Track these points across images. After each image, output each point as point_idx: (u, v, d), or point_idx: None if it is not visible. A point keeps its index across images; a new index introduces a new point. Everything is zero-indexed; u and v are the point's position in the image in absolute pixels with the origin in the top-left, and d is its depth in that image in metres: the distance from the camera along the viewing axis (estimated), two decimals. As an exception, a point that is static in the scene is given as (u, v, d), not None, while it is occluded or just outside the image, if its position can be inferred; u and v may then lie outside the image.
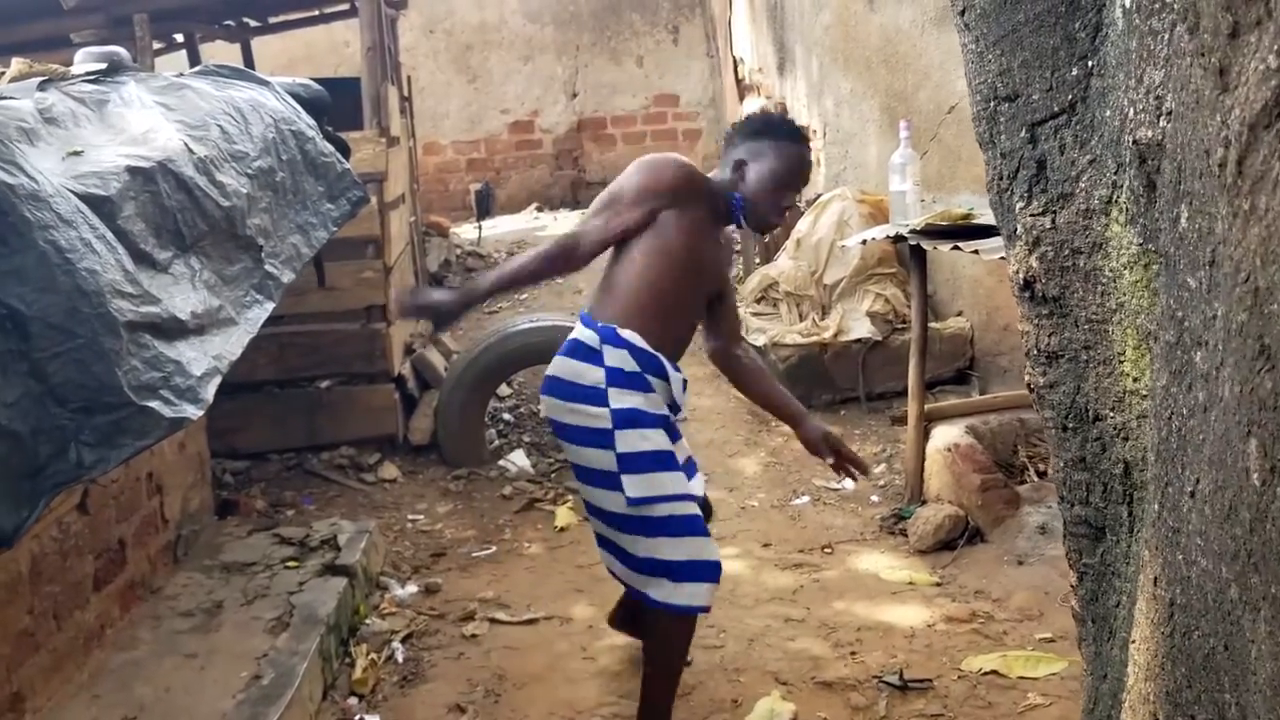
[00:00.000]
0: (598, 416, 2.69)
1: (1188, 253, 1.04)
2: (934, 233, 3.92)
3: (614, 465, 2.68)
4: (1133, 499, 1.38)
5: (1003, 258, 3.53)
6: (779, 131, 2.90)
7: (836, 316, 5.74)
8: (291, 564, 3.72)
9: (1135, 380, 1.33)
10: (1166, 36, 1.15)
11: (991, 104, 1.47)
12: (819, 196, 6.54)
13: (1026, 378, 1.53)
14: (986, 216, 4.00)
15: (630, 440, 2.67)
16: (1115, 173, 1.30)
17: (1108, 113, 1.31)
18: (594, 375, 2.72)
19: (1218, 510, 0.98)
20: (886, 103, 6.25)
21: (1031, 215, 1.42)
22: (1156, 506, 1.16)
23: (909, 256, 4.27)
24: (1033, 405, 1.47)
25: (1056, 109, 1.37)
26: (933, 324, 5.26)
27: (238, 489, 4.72)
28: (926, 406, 4.35)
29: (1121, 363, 1.35)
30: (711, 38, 9.83)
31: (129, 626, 3.29)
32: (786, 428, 5.37)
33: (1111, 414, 1.38)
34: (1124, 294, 1.32)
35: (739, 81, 9.17)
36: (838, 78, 6.84)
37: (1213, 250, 0.97)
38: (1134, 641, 1.26)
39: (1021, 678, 3.13)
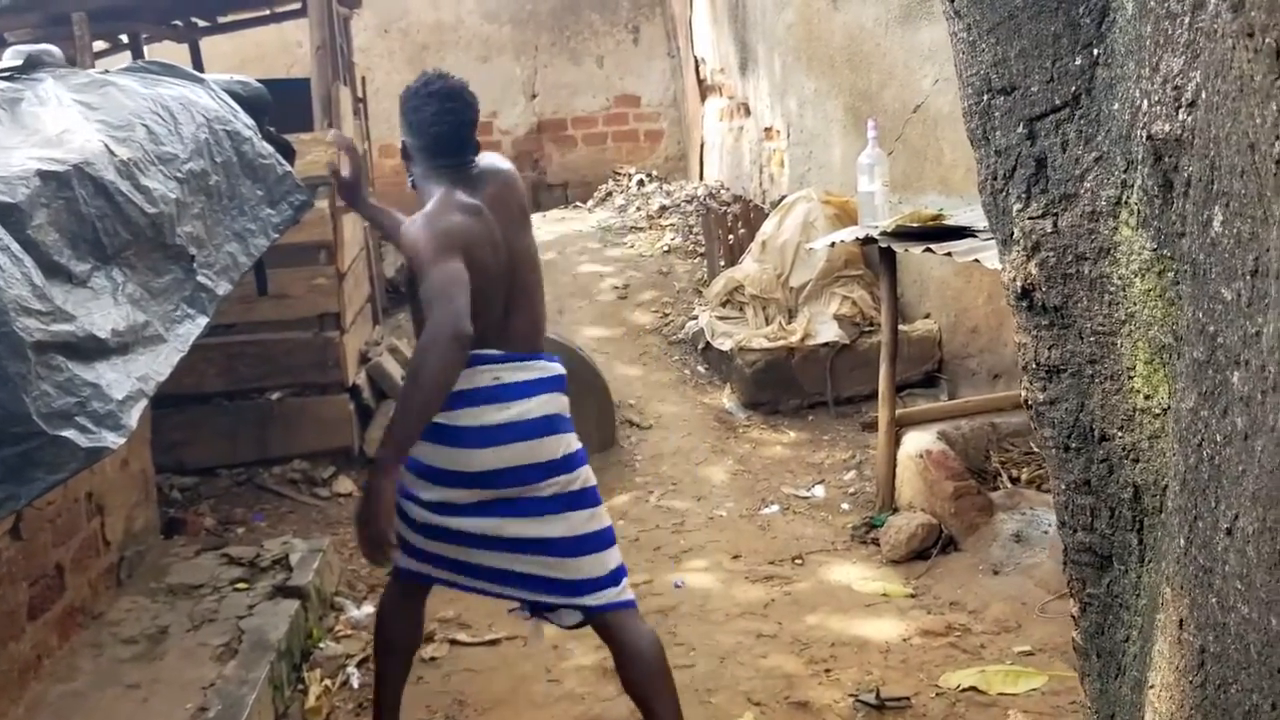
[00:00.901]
0: (573, 441, 2.69)
1: (1222, 260, 0.93)
2: (905, 235, 3.82)
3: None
4: (1143, 526, 1.27)
5: (976, 260, 3.44)
6: (409, 100, 2.70)
7: (803, 320, 5.64)
8: (241, 585, 3.56)
9: (1147, 398, 1.22)
10: (1186, 20, 1.04)
11: (985, 97, 1.36)
12: (783, 198, 6.45)
13: (1023, 394, 1.41)
14: (957, 218, 3.92)
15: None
16: (1125, 171, 1.19)
17: (1116, 105, 1.20)
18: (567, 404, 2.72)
19: (1264, 553, 0.86)
20: (851, 102, 6.17)
21: (1030, 218, 1.31)
22: (1183, 541, 1.04)
23: (879, 259, 4.17)
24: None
25: (1058, 102, 1.26)
26: (901, 326, 5.16)
27: (185, 506, 4.53)
28: (897, 412, 4.25)
29: (1131, 378, 1.24)
30: (672, 37, 9.72)
31: (68, 656, 3.12)
32: (755, 434, 5.31)
33: (1120, 434, 1.27)
34: (1135, 304, 1.21)
35: (700, 82, 9.07)
36: (801, 77, 6.75)
37: (1256, 259, 0.86)
38: (1153, 686, 1.15)
39: (1001, 694, 3.04)
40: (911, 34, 5.45)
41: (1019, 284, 1.35)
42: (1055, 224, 1.28)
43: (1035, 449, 4.34)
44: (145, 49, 5.85)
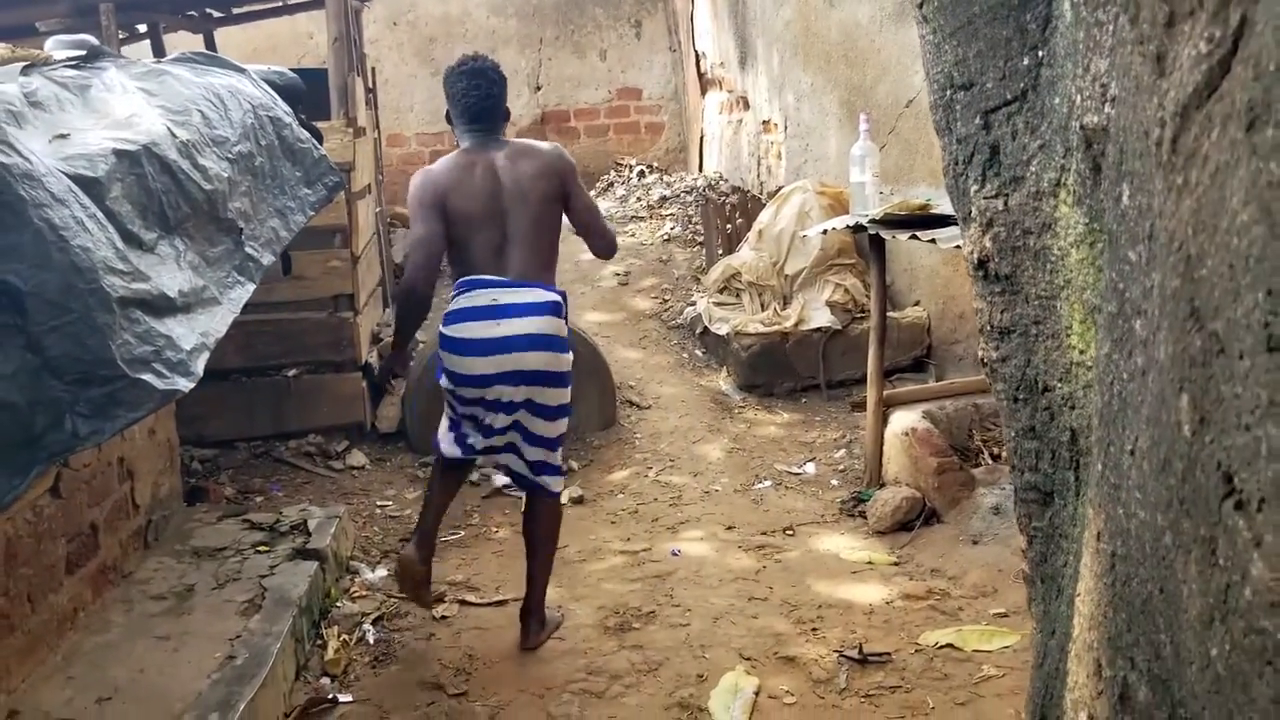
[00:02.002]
0: (567, 361, 3.37)
1: (1129, 229, 1.13)
2: (893, 222, 4.02)
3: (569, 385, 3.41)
4: (1079, 464, 1.47)
5: (958, 246, 3.64)
6: (449, 75, 3.45)
7: (797, 306, 5.84)
8: (262, 548, 3.76)
9: (1081, 352, 1.42)
10: (1111, 27, 1.24)
11: (948, 92, 1.55)
12: (780, 189, 6.65)
13: (980, 353, 1.61)
14: (944, 206, 4.11)
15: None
16: (1063, 156, 1.39)
17: (1056, 100, 1.39)
18: (564, 328, 3.35)
19: (1154, 464, 1.06)
20: (846, 97, 6.36)
21: (985, 198, 1.51)
22: (1100, 467, 1.24)
23: (868, 246, 4.37)
24: (986, 379, 1.56)
25: (1009, 96, 1.46)
26: (891, 313, 5.38)
27: (206, 476, 4.74)
28: (885, 393, 4.45)
29: (1069, 336, 1.43)
30: (673, 32, 9.90)
31: (101, 610, 3.31)
32: (750, 414, 5.52)
33: (1059, 385, 1.47)
34: (1071, 271, 1.41)
35: (701, 76, 9.25)
36: (798, 72, 6.94)
37: (1151, 225, 1.06)
38: (1079, 595, 1.35)
39: (976, 651, 3.24)
40: (905, 31, 5.63)
41: (976, 256, 1.55)
42: (1006, 203, 1.48)
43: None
44: (163, 38, 6.04)
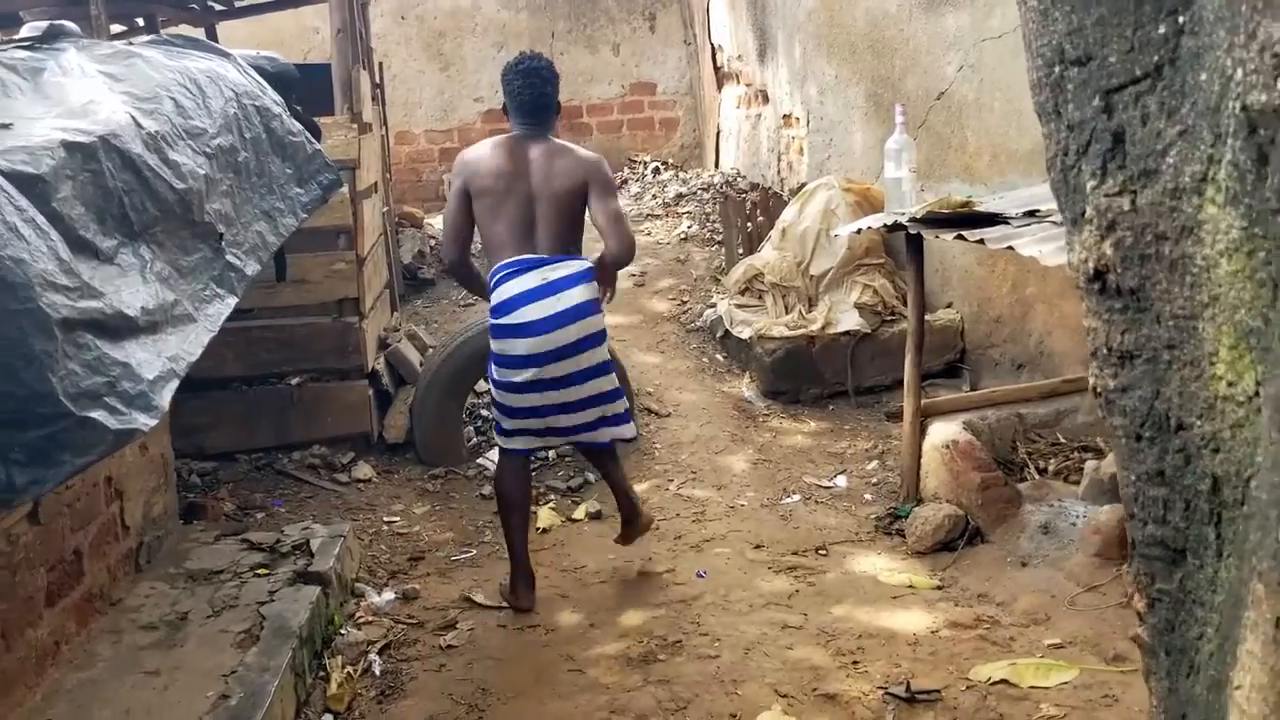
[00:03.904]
0: (601, 322, 3.64)
1: (1334, 236, 0.87)
2: (935, 221, 3.75)
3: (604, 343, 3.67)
4: (1221, 519, 1.21)
5: (1009, 247, 3.37)
6: (506, 73, 3.71)
7: (824, 308, 5.58)
8: (261, 571, 3.53)
9: (1230, 385, 1.16)
10: (1290, -18, 0.97)
11: (1057, 69, 1.29)
12: (803, 185, 6.38)
13: (1092, 380, 1.35)
14: (985, 204, 3.85)
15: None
16: (1212, 145, 1.13)
17: (1203, 76, 1.13)
18: (597, 290, 3.62)
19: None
20: (872, 89, 6.10)
21: (1106, 195, 1.25)
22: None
23: (905, 246, 4.10)
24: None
25: (1138, 73, 1.20)
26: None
27: (204, 491, 4.50)
28: (923, 401, 4.19)
29: (1213, 364, 1.17)
30: (689, 25, 9.64)
31: (86, 642, 3.09)
32: (775, 423, 5.25)
33: (1198, 422, 1.21)
34: (1219, 285, 1.14)
35: (717, 69, 8.99)
36: (822, 64, 6.68)
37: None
38: (1239, 687, 1.09)
39: (1033, 687, 2.99)
40: (936, 20, 5.37)
41: (1091, 265, 1.28)
42: (1133, 201, 1.22)
43: (1063, 440, 4.29)
44: (161, 32, 5.80)
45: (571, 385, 3.56)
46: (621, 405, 3.75)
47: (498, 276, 3.54)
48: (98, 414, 1.27)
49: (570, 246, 3.61)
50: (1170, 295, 1.21)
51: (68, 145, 1.47)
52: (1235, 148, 1.09)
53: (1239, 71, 1.06)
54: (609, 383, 3.66)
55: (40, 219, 1.32)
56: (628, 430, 3.82)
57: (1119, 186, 1.23)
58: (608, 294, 3.78)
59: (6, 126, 1.45)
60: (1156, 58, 1.18)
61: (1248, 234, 1.10)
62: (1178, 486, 1.26)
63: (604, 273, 3.65)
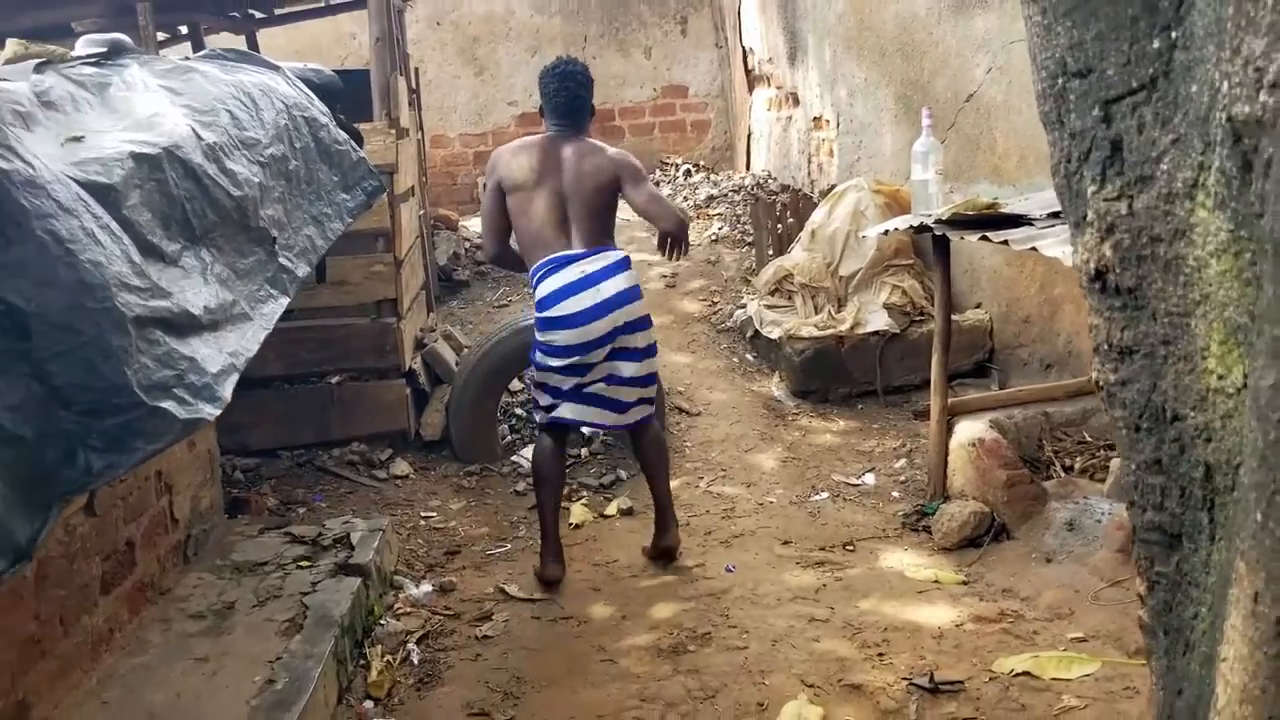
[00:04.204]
0: (646, 306, 3.90)
1: (1304, 238, 0.94)
2: (960, 223, 3.81)
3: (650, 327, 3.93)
4: (1214, 504, 1.29)
5: (1033, 248, 3.44)
6: (543, 76, 3.91)
7: (853, 309, 5.64)
8: (304, 563, 3.64)
9: (1220, 378, 1.23)
10: (1269, 2, 1.05)
11: (1060, 80, 1.37)
12: (833, 187, 6.44)
13: (1094, 375, 1.43)
14: (1011, 206, 3.91)
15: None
16: (1202, 153, 1.20)
17: (1194, 88, 1.21)
18: (638, 278, 3.89)
19: (1345, 522, 0.88)
20: (902, 92, 6.15)
21: (1105, 200, 1.32)
22: (1260, 516, 1.06)
23: (933, 247, 4.17)
24: (1101, 404, 1.38)
25: (1135, 85, 1.27)
26: (952, 316, 5.16)
27: (248, 486, 4.63)
28: (950, 400, 4.25)
29: (1205, 359, 1.25)
30: (720, 28, 9.72)
31: (138, 630, 3.21)
32: (804, 422, 5.32)
33: (1192, 414, 1.28)
34: (1210, 284, 1.22)
35: (748, 72, 9.06)
36: (851, 67, 6.74)
37: (1340, 235, 0.87)
38: (1224, 659, 1.16)
39: (1055, 679, 3.04)
40: (965, 23, 5.42)
41: (1092, 266, 1.36)
42: (1130, 206, 1.30)
43: (1089, 438, 4.33)
44: (204, 39, 5.96)
45: (616, 363, 3.79)
46: (654, 392, 3.98)
47: (539, 275, 3.77)
48: (168, 404, 1.38)
49: (603, 238, 3.80)
50: (1165, 294, 1.28)
51: (135, 156, 1.58)
52: (1223, 155, 1.16)
53: (1225, 84, 1.14)
54: (651, 366, 3.90)
55: (114, 225, 1.43)
56: (651, 419, 4.02)
57: (1117, 191, 1.31)
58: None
59: (79, 139, 1.57)
60: (1151, 70, 1.26)
61: (1234, 236, 1.18)
62: (1174, 474, 1.33)
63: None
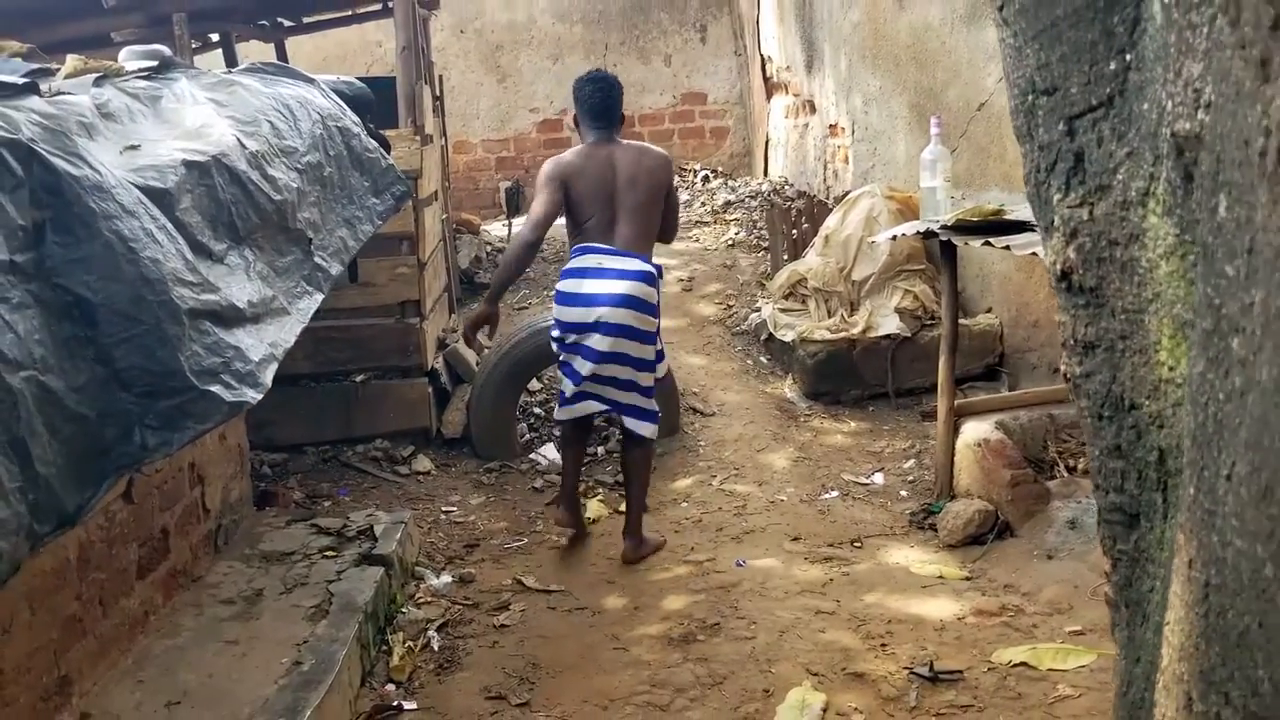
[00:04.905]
0: (653, 323, 4.05)
1: (1226, 241, 1.07)
2: (965, 228, 3.93)
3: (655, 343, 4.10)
4: (1167, 485, 1.41)
5: (1034, 253, 3.55)
6: (579, 84, 4.19)
7: (865, 313, 5.76)
8: (329, 553, 3.78)
9: (1170, 369, 1.36)
10: (1205, 30, 1.18)
11: (1030, 97, 1.50)
12: (847, 193, 6.56)
13: (1063, 367, 1.55)
14: (1018, 212, 4.02)
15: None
16: (1152, 165, 1.33)
17: (1145, 106, 1.33)
18: (656, 296, 4.03)
19: (1254, 491, 1.01)
20: (915, 100, 6.27)
21: (1069, 207, 1.45)
22: (1192, 491, 1.18)
23: (939, 252, 4.29)
24: (1068, 395, 1.50)
25: (1094, 102, 1.40)
26: (962, 320, 5.27)
27: (275, 480, 4.79)
28: (956, 402, 4.36)
29: (1157, 351, 1.37)
30: (739, 36, 9.85)
31: (172, 613, 3.35)
32: (816, 423, 5.45)
33: (1147, 402, 1.40)
34: (1160, 284, 1.34)
35: (767, 80, 9.19)
36: (866, 75, 6.86)
37: (1251, 238, 1.00)
38: (1168, 623, 1.28)
39: (1051, 670, 3.15)
40: (977, 33, 5.53)
41: (1059, 267, 1.48)
42: (1091, 212, 1.42)
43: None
44: (235, 48, 6.14)
45: (612, 363, 3.98)
46: (651, 405, 4.13)
47: (572, 254, 4.08)
48: (216, 388, 1.52)
49: (641, 244, 4.03)
50: (1122, 292, 1.41)
51: (187, 164, 1.73)
52: (1169, 167, 1.29)
53: (1169, 103, 1.26)
54: (648, 380, 4.08)
55: (170, 226, 1.57)
56: (645, 429, 4.13)
57: (1079, 199, 1.43)
58: None
59: (135, 147, 1.71)
60: (1109, 90, 1.38)
61: (1180, 240, 1.30)
62: (1132, 459, 1.45)
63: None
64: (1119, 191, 1.39)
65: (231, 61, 5.78)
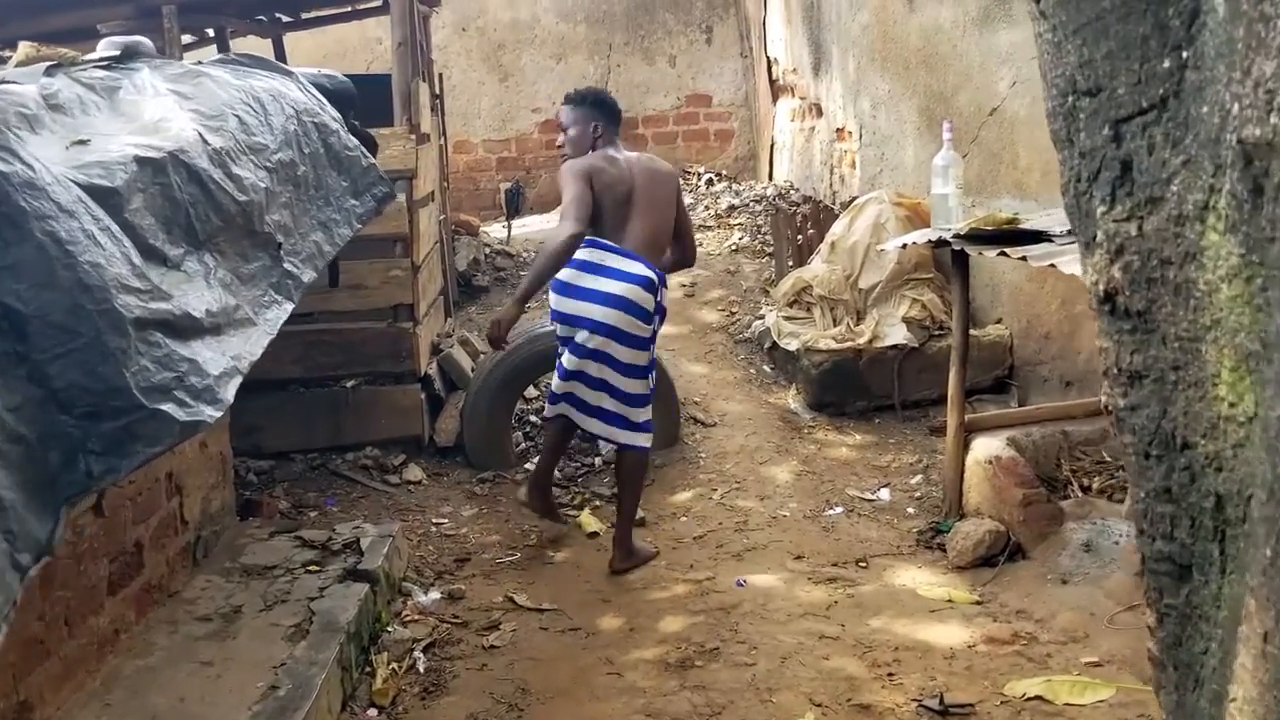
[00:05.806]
0: (646, 328, 4.01)
1: (1311, 265, 0.92)
2: (979, 238, 3.78)
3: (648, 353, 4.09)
4: (1225, 536, 1.25)
5: (1052, 265, 3.40)
6: (606, 98, 4.30)
7: (872, 322, 5.60)
8: (313, 568, 3.64)
9: (1232, 405, 1.20)
10: (1282, 23, 1.02)
11: (1070, 99, 1.34)
12: (854, 199, 6.41)
13: (1104, 399, 1.40)
14: (1032, 221, 3.87)
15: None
16: (1213, 175, 1.18)
17: (1205, 109, 1.18)
18: (653, 303, 4.00)
19: (1350, 561, 0.85)
20: (925, 104, 6.12)
21: (1115, 221, 1.29)
22: (1269, 552, 1.03)
23: (951, 262, 4.13)
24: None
25: (1145, 104, 1.24)
26: (971, 331, 5.11)
27: (260, 489, 4.64)
28: (967, 417, 4.20)
29: (1216, 385, 1.22)
30: (745, 38, 9.70)
31: (144, 632, 3.21)
32: (820, 435, 5.29)
33: (1203, 441, 1.25)
34: (1221, 309, 1.19)
35: (772, 82, 9.04)
36: (875, 79, 6.71)
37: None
38: (1234, 699, 1.13)
39: (1068, 704, 3.00)
40: (989, 36, 5.39)
41: (1102, 288, 1.33)
42: (1140, 227, 1.27)
43: (1108, 458, 4.28)
44: (230, 43, 5.99)
45: (593, 361, 3.97)
46: (641, 416, 4.07)
47: (583, 247, 4.04)
48: (167, 406, 1.37)
49: (649, 251, 4.04)
50: (1175, 318, 1.25)
51: (139, 160, 1.58)
52: (1233, 178, 1.14)
53: (1236, 106, 1.11)
54: (636, 387, 4.04)
55: (115, 228, 1.42)
56: (639, 439, 4.08)
57: (1127, 212, 1.28)
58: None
59: (85, 142, 1.57)
60: (1162, 90, 1.23)
61: (1245, 260, 1.15)
62: (1184, 504, 1.30)
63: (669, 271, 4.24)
64: (1173, 205, 1.23)
65: (224, 56, 5.63)
